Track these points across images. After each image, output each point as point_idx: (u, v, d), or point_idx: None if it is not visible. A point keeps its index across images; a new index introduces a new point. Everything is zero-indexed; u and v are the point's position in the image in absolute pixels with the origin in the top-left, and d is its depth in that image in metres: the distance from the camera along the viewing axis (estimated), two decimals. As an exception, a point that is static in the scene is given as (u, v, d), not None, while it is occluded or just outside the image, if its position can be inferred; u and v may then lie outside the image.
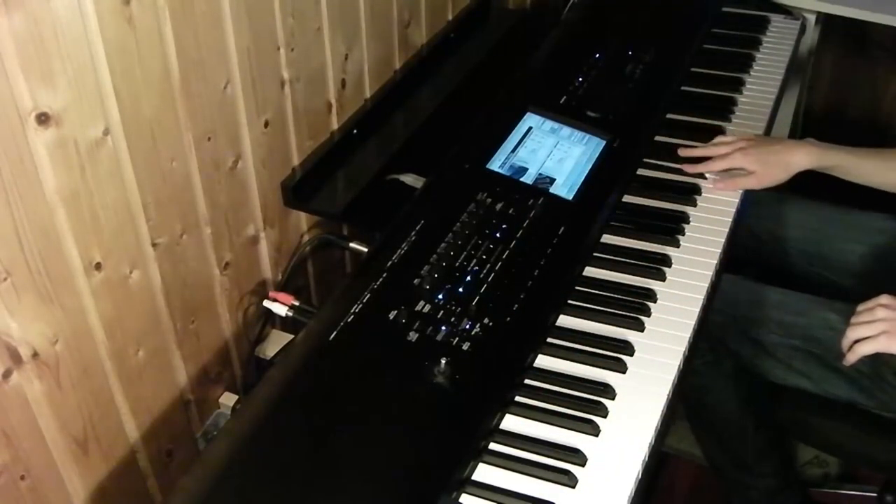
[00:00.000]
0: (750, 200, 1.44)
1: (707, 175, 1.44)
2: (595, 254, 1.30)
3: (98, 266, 1.04)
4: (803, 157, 1.40)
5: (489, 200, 1.31)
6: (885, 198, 1.44)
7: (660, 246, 1.32)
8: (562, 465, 1.02)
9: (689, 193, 1.41)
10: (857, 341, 1.18)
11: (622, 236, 1.34)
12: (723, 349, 1.44)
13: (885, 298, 1.18)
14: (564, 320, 1.20)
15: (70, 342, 1.03)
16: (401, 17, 1.59)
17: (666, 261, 1.29)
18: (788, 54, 1.77)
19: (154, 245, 1.13)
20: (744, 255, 1.52)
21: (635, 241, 1.32)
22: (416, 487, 0.97)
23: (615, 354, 1.15)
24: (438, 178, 1.37)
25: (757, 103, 1.63)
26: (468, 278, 1.19)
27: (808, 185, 1.46)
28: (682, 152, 1.47)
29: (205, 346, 1.30)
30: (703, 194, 1.42)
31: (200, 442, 1.33)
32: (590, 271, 1.28)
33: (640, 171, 1.47)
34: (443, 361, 1.06)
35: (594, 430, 1.06)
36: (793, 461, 1.73)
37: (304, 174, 1.39)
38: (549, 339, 1.17)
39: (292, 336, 1.24)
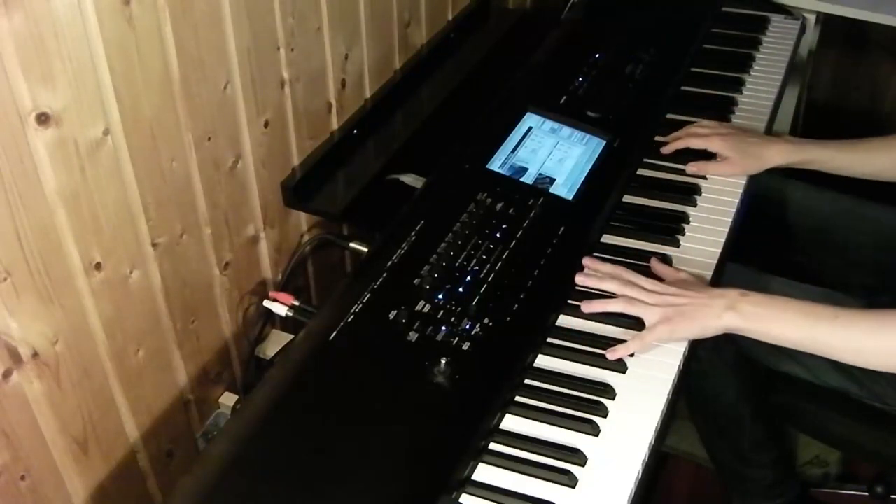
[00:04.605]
0: (749, 201, 1.44)
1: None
2: (595, 254, 1.30)
3: (98, 266, 1.04)
4: (778, 152, 1.41)
5: (489, 200, 1.31)
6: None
7: (660, 246, 1.31)
8: (562, 465, 1.02)
9: (689, 193, 1.41)
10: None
11: (622, 236, 1.34)
12: (722, 335, 1.44)
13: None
14: (564, 320, 1.20)
15: (70, 342, 1.03)
16: (401, 17, 1.59)
17: (666, 261, 1.29)
18: (788, 54, 1.77)
19: (154, 245, 1.13)
20: (750, 241, 1.52)
21: (635, 241, 1.32)
22: (416, 487, 0.97)
23: (615, 354, 1.15)
24: (438, 178, 1.37)
25: (757, 103, 1.62)
26: (468, 278, 1.19)
27: (819, 171, 1.46)
28: (664, 150, 1.48)
29: (205, 346, 1.30)
30: (703, 194, 1.41)
31: (200, 442, 1.33)
32: (590, 271, 1.28)
33: (640, 171, 1.46)
34: (443, 361, 1.06)
35: (594, 430, 1.06)
36: (791, 456, 1.73)
37: (304, 174, 1.39)
38: (549, 339, 1.17)
39: (292, 336, 1.25)
